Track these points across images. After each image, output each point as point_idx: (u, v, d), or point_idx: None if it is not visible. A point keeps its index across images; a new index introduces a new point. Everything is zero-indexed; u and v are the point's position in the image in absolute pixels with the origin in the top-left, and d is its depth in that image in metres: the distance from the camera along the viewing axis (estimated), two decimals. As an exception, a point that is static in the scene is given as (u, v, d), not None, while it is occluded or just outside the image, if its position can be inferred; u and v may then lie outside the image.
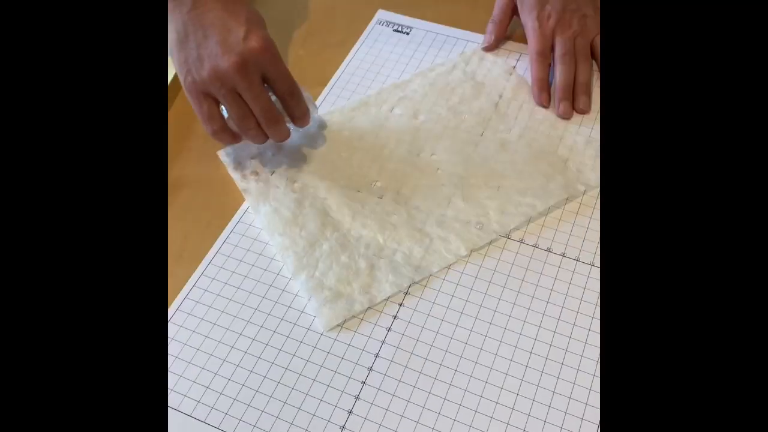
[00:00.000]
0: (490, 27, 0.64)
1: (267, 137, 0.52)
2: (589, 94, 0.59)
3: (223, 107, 0.51)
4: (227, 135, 0.51)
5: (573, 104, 0.58)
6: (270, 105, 0.49)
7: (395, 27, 0.67)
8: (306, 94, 0.53)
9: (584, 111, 0.58)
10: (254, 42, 0.48)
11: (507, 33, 0.65)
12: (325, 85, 0.62)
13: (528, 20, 0.61)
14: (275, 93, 0.50)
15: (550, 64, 0.60)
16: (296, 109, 0.51)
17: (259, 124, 0.50)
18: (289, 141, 0.57)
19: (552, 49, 0.60)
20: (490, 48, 0.64)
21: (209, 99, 0.50)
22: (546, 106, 0.59)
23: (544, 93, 0.59)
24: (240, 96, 0.49)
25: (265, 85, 0.50)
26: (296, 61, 0.65)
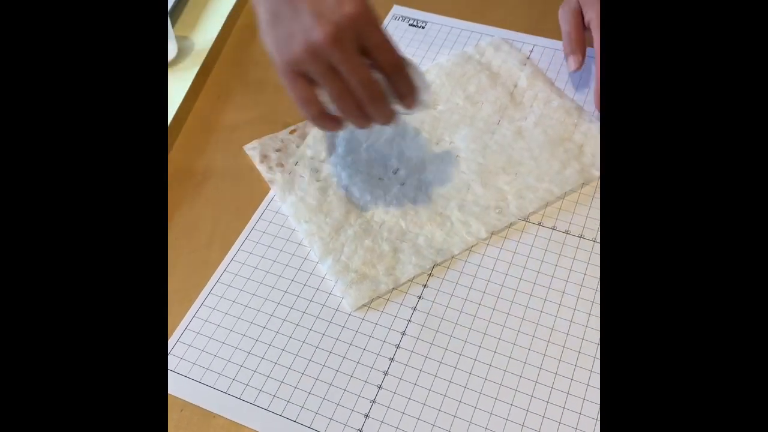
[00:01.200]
0: (568, 48, 0.59)
1: (370, 120, 0.46)
2: None
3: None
4: (328, 120, 0.46)
5: None
6: (370, 78, 0.43)
7: (411, 21, 0.69)
8: (415, 68, 0.46)
9: None
10: (349, 6, 0.41)
11: (530, 24, 0.65)
12: (345, 78, 0.64)
13: (593, 16, 0.57)
14: (376, 66, 0.44)
15: None
16: (401, 84, 0.45)
17: (360, 104, 0.44)
18: (312, 131, 0.59)
19: None
20: (580, 65, 0.59)
21: (304, 79, 0.44)
22: None
23: (575, 55, 0.58)
24: (337, 72, 0.43)
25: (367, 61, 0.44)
26: (316, 56, 0.67)
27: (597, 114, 0.59)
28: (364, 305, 0.48)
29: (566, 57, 0.60)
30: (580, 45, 0.59)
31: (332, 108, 0.45)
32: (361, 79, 0.43)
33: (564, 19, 0.61)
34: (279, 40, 0.44)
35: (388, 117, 0.46)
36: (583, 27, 0.59)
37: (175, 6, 0.70)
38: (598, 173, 0.55)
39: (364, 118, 0.45)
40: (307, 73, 0.44)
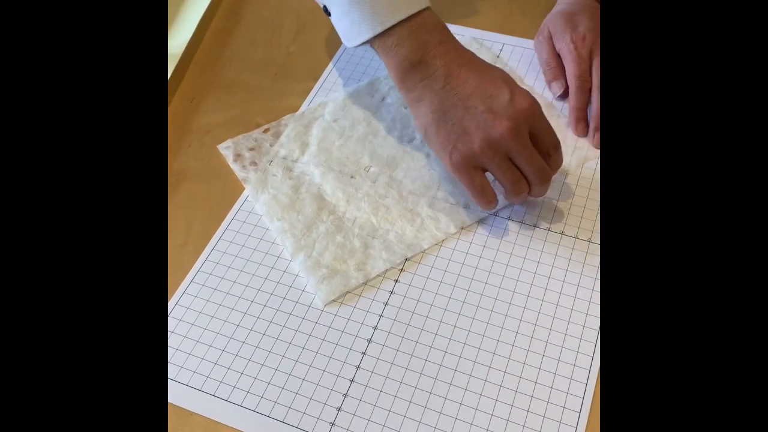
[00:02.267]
0: (550, 75, 0.61)
1: (526, 197, 0.51)
2: None
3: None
4: (495, 203, 0.50)
5: None
6: (543, 164, 0.48)
7: (382, 22, 0.70)
8: None
9: None
10: (522, 102, 0.47)
11: (495, 26, 0.67)
12: (317, 79, 0.65)
13: (562, 45, 0.60)
14: (540, 148, 0.48)
15: (590, 89, 0.58)
16: (557, 161, 0.50)
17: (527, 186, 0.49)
18: (286, 131, 0.60)
19: (590, 72, 0.58)
20: (563, 88, 0.61)
21: (480, 171, 0.49)
22: (582, 136, 0.58)
23: (581, 123, 0.58)
24: (511, 161, 0.48)
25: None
26: (288, 58, 0.68)
27: (565, 110, 0.60)
28: (336, 301, 0.49)
29: (549, 84, 0.62)
30: (561, 70, 0.61)
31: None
32: (537, 167, 0.48)
33: (540, 48, 0.64)
34: (451, 137, 0.48)
35: (545, 191, 0.51)
36: (557, 54, 0.62)
37: (148, 10, 0.70)
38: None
39: (525, 198, 0.50)
40: (482, 165, 0.48)
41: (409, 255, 0.51)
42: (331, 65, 0.66)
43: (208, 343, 0.47)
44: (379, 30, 0.49)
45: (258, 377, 0.46)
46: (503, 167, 0.48)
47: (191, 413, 0.44)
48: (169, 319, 0.49)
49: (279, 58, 0.67)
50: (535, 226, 0.53)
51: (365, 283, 0.50)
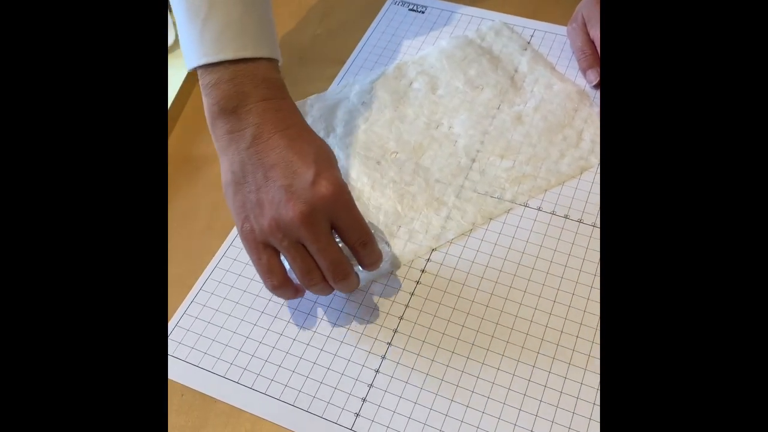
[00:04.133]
0: (584, 63, 0.60)
1: (333, 289, 0.45)
2: None
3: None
4: (290, 290, 0.44)
5: None
6: (340, 257, 0.42)
7: (410, 6, 0.69)
8: (378, 232, 0.47)
9: None
10: (324, 188, 0.41)
11: (533, 10, 0.66)
12: (343, 63, 0.64)
13: (597, 33, 0.59)
14: (345, 242, 0.44)
15: None
16: (368, 257, 0.44)
17: (324, 277, 0.43)
18: (311, 111, 0.59)
19: None
20: (599, 77, 0.59)
21: (269, 250, 0.43)
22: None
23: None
24: (305, 248, 0.42)
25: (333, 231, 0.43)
26: (314, 41, 0.66)
27: (598, 99, 0.58)
28: (361, 289, 0.48)
29: (584, 72, 0.61)
30: (596, 58, 0.60)
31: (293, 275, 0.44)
32: (331, 260, 0.42)
33: (574, 35, 0.62)
34: (246, 206, 0.43)
35: (353, 288, 0.45)
36: (591, 41, 0.60)
37: (173, -9, 0.69)
38: (597, 160, 0.54)
39: (327, 289, 0.44)
40: (271, 245, 0.43)
41: (434, 246, 0.50)
42: (356, 50, 0.65)
43: (232, 329, 0.47)
44: (203, 61, 0.43)
45: (282, 365, 0.45)
46: (292, 253, 0.42)
47: (215, 400, 0.44)
48: (193, 305, 0.48)
49: (305, 43, 0.66)
50: (566, 216, 0.52)
51: (391, 273, 0.49)
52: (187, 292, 0.49)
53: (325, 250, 0.42)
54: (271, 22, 0.47)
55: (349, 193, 0.43)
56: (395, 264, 0.49)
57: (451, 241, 0.51)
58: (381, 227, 0.51)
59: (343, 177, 0.44)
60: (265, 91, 0.44)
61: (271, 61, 0.45)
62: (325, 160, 0.43)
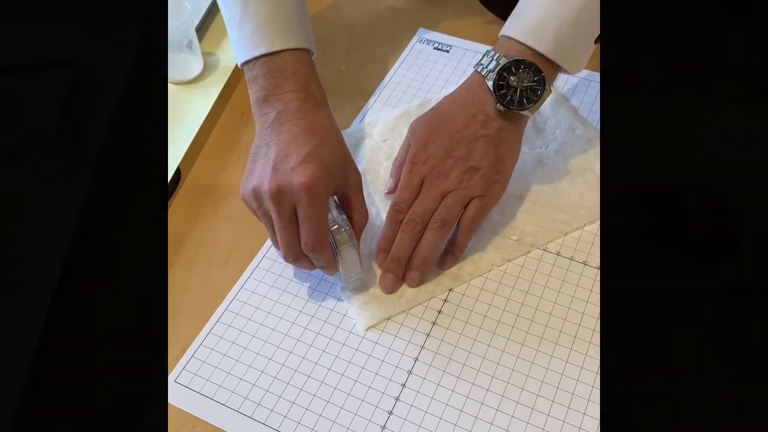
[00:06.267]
0: (394, 171, 0.55)
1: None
2: (423, 269, 0.49)
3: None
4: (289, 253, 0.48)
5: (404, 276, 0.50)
6: (292, 241, 0.46)
7: (436, 45, 0.70)
8: (353, 248, 0.47)
9: (411, 284, 0.50)
10: (298, 176, 0.45)
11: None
12: (368, 99, 0.65)
13: (405, 160, 0.52)
14: (300, 237, 0.46)
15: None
16: (317, 260, 0.47)
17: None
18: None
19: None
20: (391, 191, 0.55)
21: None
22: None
23: (381, 253, 0.51)
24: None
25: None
26: (338, 76, 0.67)
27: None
28: (377, 328, 0.48)
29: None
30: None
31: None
32: (284, 240, 0.46)
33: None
34: (248, 170, 0.49)
35: (307, 269, 0.49)
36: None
37: (201, 23, 0.71)
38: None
39: (297, 262, 0.48)
40: (254, 209, 0.48)
41: (452, 286, 0.50)
42: (381, 86, 0.66)
43: (247, 363, 0.47)
44: (241, 60, 0.51)
45: (296, 402, 0.45)
46: (263, 220, 0.48)
47: (227, 434, 0.44)
48: (210, 336, 0.49)
49: (330, 77, 0.67)
50: (585, 263, 0.51)
51: (407, 311, 0.49)
52: (204, 323, 0.49)
53: (283, 230, 0.46)
54: (300, 14, 0.52)
55: (320, 191, 0.45)
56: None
57: (468, 283, 0.51)
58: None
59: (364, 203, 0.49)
60: (294, 83, 0.50)
61: (301, 51, 0.51)
62: (318, 156, 0.46)
